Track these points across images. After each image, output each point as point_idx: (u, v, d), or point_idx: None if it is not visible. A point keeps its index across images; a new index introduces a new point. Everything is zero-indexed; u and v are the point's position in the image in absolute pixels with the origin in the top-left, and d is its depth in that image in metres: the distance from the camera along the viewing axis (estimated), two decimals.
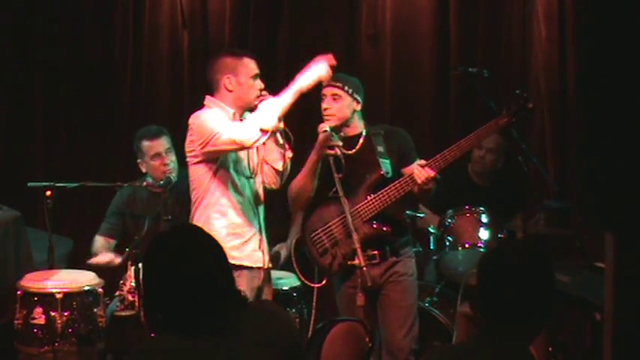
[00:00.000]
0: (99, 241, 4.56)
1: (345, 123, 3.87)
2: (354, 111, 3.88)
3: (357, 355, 3.64)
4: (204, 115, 3.72)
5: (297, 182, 3.87)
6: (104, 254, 4.45)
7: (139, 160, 4.51)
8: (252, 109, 3.76)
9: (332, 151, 3.72)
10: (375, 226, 3.76)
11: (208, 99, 3.82)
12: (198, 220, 3.73)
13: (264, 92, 3.75)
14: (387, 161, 3.83)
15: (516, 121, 3.76)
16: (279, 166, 3.85)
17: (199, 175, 3.75)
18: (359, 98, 3.88)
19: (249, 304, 2.26)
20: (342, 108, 3.83)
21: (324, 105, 3.84)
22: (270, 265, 3.92)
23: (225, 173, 3.72)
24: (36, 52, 5.69)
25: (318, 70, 3.67)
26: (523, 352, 2.17)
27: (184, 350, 2.05)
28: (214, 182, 3.71)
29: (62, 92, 5.71)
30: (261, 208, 3.87)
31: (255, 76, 3.76)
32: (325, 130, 3.76)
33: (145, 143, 4.45)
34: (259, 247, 3.81)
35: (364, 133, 3.90)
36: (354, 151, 3.88)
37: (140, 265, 3.89)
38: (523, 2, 5.20)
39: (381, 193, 3.75)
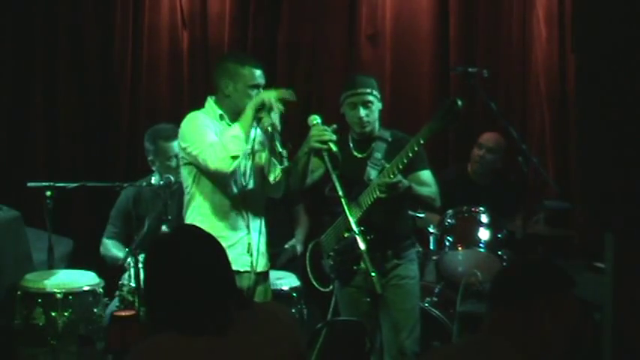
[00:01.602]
0: (109, 243, 4.58)
1: (375, 125, 3.86)
2: (380, 112, 3.88)
3: (357, 355, 3.65)
4: (189, 122, 3.68)
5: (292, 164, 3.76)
6: (118, 249, 4.50)
7: (150, 158, 4.50)
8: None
9: (324, 146, 3.57)
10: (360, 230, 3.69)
11: (208, 100, 3.79)
12: (186, 222, 3.71)
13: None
14: (377, 169, 3.78)
15: (448, 124, 3.69)
16: (271, 177, 3.76)
17: (186, 176, 3.73)
18: (380, 97, 3.87)
19: (252, 305, 2.26)
20: (374, 112, 3.83)
21: (359, 114, 3.78)
22: (266, 269, 3.85)
23: (207, 175, 3.66)
24: (36, 52, 5.69)
25: (284, 93, 3.62)
26: (518, 353, 2.16)
27: (186, 350, 2.06)
28: (199, 185, 3.67)
29: (62, 92, 5.71)
30: (255, 211, 3.78)
31: (253, 86, 3.67)
32: (316, 123, 3.66)
33: (163, 144, 4.44)
34: (248, 251, 3.73)
35: (374, 137, 3.87)
36: (365, 154, 3.85)
37: (140, 265, 3.89)
38: (523, 2, 5.21)
39: (357, 200, 3.70)
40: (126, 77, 5.69)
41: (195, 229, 2.38)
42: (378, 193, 3.61)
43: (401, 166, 3.60)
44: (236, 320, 2.13)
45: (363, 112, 3.79)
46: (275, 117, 3.61)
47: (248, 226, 3.74)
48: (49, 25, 5.70)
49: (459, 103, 3.57)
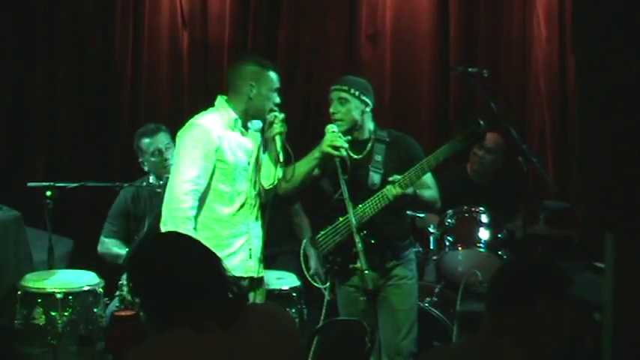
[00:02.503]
0: (108, 242, 4.60)
1: (355, 127, 3.81)
2: (363, 113, 3.82)
3: (357, 355, 3.65)
4: (189, 141, 3.66)
5: (291, 168, 3.78)
6: (119, 248, 4.54)
7: (140, 160, 4.54)
8: (259, 119, 3.79)
9: (336, 152, 3.67)
10: (362, 234, 3.70)
11: (219, 100, 3.80)
12: None
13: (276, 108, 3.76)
14: (379, 172, 3.78)
15: (468, 146, 3.72)
16: (266, 183, 3.81)
17: None
18: (367, 100, 3.81)
19: (249, 306, 2.26)
20: (350, 111, 3.78)
21: (331, 109, 3.80)
22: (262, 274, 3.89)
23: (210, 185, 3.67)
24: (36, 53, 5.69)
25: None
26: (518, 353, 2.16)
27: (186, 350, 2.06)
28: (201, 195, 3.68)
29: (62, 92, 5.71)
30: (255, 216, 3.81)
31: (275, 90, 3.76)
32: (333, 131, 3.73)
33: (145, 140, 4.49)
34: (250, 257, 3.76)
35: (372, 139, 3.87)
36: (361, 156, 3.85)
37: None
38: (523, 2, 5.20)
39: (364, 205, 3.70)
40: (126, 77, 5.69)
41: (177, 234, 2.41)
42: (388, 201, 3.64)
43: (415, 180, 3.64)
44: (235, 321, 2.13)
45: (333, 108, 3.80)
46: (284, 127, 3.71)
47: (249, 232, 3.76)
48: (49, 26, 5.70)
49: (482, 124, 3.63)
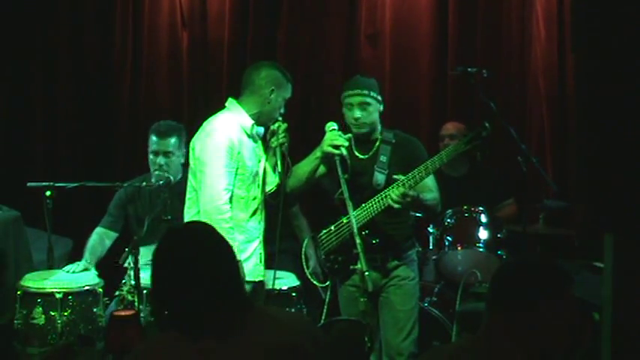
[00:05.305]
0: (97, 233, 4.54)
1: (374, 127, 3.84)
2: (380, 113, 3.85)
3: (356, 354, 3.65)
4: (211, 149, 3.70)
5: (294, 170, 3.84)
6: (77, 264, 4.39)
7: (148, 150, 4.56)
8: (264, 125, 3.87)
9: (337, 151, 3.68)
10: (363, 234, 3.71)
11: (231, 102, 3.85)
12: None
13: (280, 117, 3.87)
14: (384, 173, 3.79)
15: (473, 149, 3.71)
16: (266, 189, 3.92)
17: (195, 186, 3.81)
18: (381, 99, 3.84)
19: (254, 307, 2.25)
20: (371, 114, 3.80)
21: (354, 115, 3.77)
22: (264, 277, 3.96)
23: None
24: (36, 52, 5.69)
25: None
26: (518, 354, 2.16)
27: (187, 350, 2.05)
28: None
29: (62, 92, 5.71)
30: (263, 220, 3.92)
31: (286, 101, 3.86)
32: (333, 129, 3.75)
33: (153, 137, 4.49)
34: (261, 261, 3.87)
35: (379, 139, 3.88)
36: (367, 156, 3.85)
37: (139, 265, 3.89)
38: (522, 2, 5.20)
39: (367, 205, 3.71)
40: (126, 77, 5.70)
41: (205, 227, 2.34)
42: (389, 202, 3.63)
43: (419, 181, 3.64)
44: (240, 322, 2.12)
45: (358, 113, 3.78)
46: (287, 137, 3.79)
47: (259, 237, 3.87)
48: (49, 25, 5.70)
49: (489, 127, 3.63)
